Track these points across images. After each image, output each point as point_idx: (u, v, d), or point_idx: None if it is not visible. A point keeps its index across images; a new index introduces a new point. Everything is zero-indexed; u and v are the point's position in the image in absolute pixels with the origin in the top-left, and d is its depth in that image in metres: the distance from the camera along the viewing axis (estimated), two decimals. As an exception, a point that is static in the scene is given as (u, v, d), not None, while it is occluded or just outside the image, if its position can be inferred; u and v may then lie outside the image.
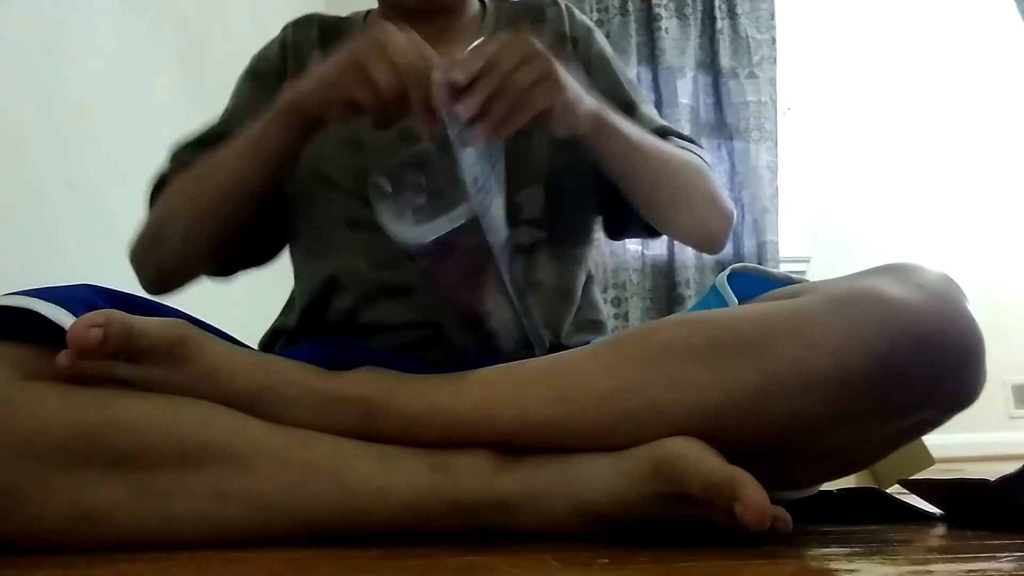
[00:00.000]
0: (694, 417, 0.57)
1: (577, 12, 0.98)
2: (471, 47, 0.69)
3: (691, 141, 0.94)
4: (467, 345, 0.65)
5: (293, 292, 0.92)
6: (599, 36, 0.98)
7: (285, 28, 0.97)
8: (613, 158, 0.82)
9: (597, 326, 0.90)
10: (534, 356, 0.66)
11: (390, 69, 0.67)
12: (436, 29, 0.92)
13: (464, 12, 0.95)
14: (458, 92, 0.66)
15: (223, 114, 0.94)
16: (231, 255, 0.90)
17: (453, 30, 0.94)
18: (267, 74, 0.93)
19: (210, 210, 0.81)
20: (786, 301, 0.61)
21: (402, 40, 0.68)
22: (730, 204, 0.89)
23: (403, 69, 0.67)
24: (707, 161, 0.91)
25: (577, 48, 0.94)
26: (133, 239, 0.86)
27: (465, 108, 0.65)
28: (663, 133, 0.91)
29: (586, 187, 0.90)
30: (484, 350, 0.66)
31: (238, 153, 0.79)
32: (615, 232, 0.98)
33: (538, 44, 0.70)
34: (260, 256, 0.95)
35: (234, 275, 0.94)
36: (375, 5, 0.98)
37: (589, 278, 0.93)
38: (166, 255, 0.84)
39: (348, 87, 0.69)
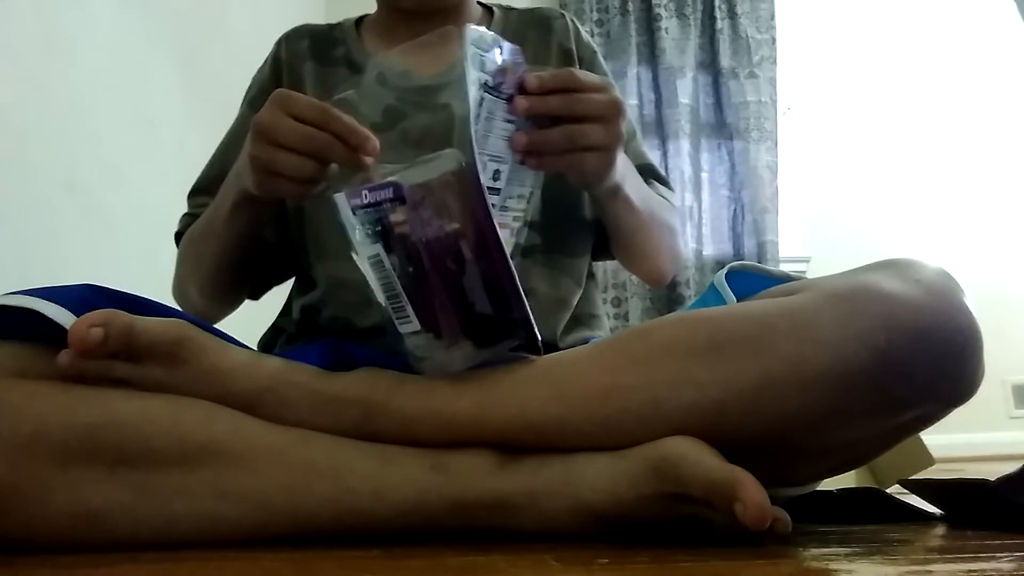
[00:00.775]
0: (694, 415, 0.58)
1: (584, 31, 0.99)
2: (471, 28, 0.66)
3: (666, 182, 0.98)
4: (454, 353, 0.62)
5: (290, 297, 0.92)
6: (602, 60, 0.99)
7: (278, 43, 0.97)
8: (613, 218, 0.85)
9: (593, 321, 0.90)
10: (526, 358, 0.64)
11: (292, 149, 0.66)
12: (433, 30, 0.91)
13: (463, 14, 0.95)
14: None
15: (224, 147, 0.95)
16: (257, 283, 0.94)
17: (450, 31, 0.93)
18: (263, 100, 0.93)
19: (212, 273, 0.86)
20: (784, 298, 0.62)
21: (279, 115, 0.67)
22: (685, 252, 0.95)
23: (300, 140, 0.66)
24: (675, 205, 0.97)
25: (581, 67, 0.94)
26: (173, 283, 0.92)
27: (520, 102, 0.64)
28: (646, 172, 0.93)
29: (583, 201, 0.90)
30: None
31: (216, 235, 0.82)
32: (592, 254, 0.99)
33: (619, 99, 0.69)
34: (284, 274, 0.96)
35: (265, 292, 0.97)
36: (374, 6, 0.98)
37: (590, 274, 0.94)
38: (194, 303, 0.89)
39: (277, 191, 0.69)
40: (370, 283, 0.63)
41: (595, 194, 0.81)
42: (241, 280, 0.90)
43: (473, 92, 0.61)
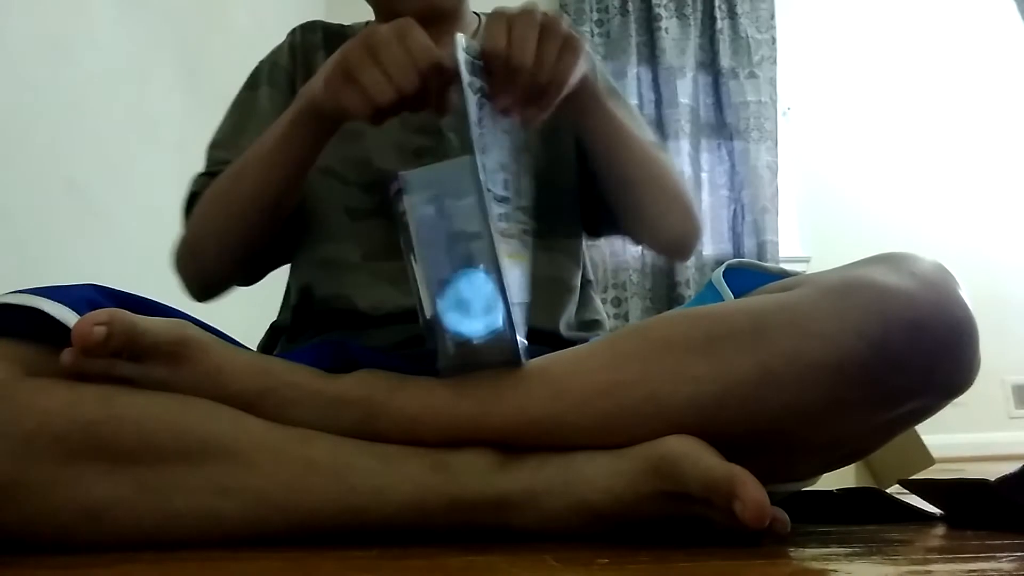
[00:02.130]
0: (692, 410, 0.58)
1: (573, 28, 0.98)
2: (460, 36, 0.67)
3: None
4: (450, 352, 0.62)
5: (288, 283, 0.92)
6: (595, 59, 0.98)
7: (292, 32, 0.97)
8: (595, 129, 0.82)
9: (595, 325, 0.90)
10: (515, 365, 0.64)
11: (384, 70, 0.66)
12: (432, 34, 0.91)
13: (459, 21, 0.95)
14: (486, 73, 0.66)
15: (246, 119, 0.93)
16: (265, 258, 0.90)
17: (446, 37, 0.93)
18: (282, 79, 0.93)
19: (241, 220, 0.82)
20: (781, 294, 0.62)
21: (394, 38, 0.67)
22: (700, 219, 0.89)
23: (398, 68, 0.66)
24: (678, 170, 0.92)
25: None
26: (174, 250, 0.87)
27: (503, 99, 0.67)
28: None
29: (575, 179, 0.90)
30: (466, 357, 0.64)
31: (262, 161, 0.79)
32: (592, 230, 0.97)
33: (544, 11, 0.69)
34: (286, 255, 0.94)
35: (263, 276, 0.94)
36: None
37: (587, 281, 0.94)
38: (206, 266, 0.85)
39: (342, 96, 0.68)
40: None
41: (574, 100, 0.77)
42: (265, 239, 0.84)
43: (471, 95, 0.63)
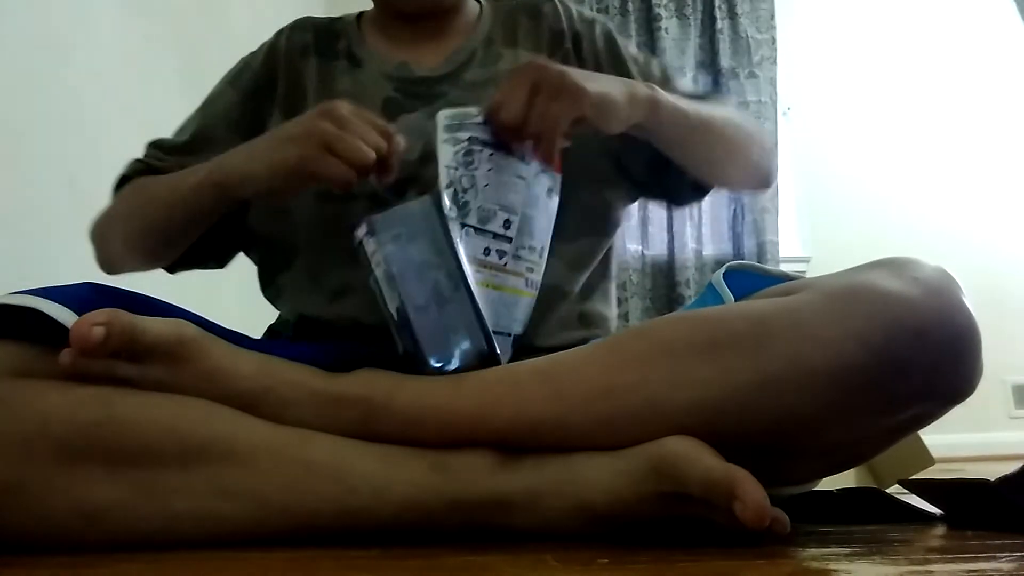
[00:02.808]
0: (693, 414, 0.58)
1: (576, 8, 0.96)
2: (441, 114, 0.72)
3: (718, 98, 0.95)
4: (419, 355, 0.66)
5: (278, 305, 0.90)
6: (602, 27, 0.95)
7: (279, 33, 0.95)
8: (671, 136, 0.83)
9: (599, 320, 0.89)
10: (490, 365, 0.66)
11: (358, 137, 0.69)
12: (431, 29, 0.91)
13: (461, 12, 0.94)
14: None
15: (199, 117, 0.94)
16: (177, 259, 0.90)
17: (448, 30, 0.93)
18: (247, 84, 0.92)
19: (145, 230, 0.84)
20: (783, 298, 0.62)
21: (349, 111, 0.70)
22: (770, 138, 0.92)
23: (368, 134, 0.69)
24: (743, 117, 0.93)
25: (582, 43, 0.92)
26: (93, 223, 0.89)
27: (515, 147, 0.72)
28: (698, 97, 0.90)
29: (583, 183, 0.89)
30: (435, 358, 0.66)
31: (171, 199, 0.81)
32: (673, 200, 0.97)
33: (538, 64, 0.72)
34: (219, 257, 0.94)
35: (176, 272, 0.93)
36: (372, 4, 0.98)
37: (609, 275, 0.92)
38: (112, 250, 0.88)
39: (323, 167, 0.69)
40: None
41: (642, 127, 0.79)
42: (169, 253, 0.88)
43: (447, 148, 0.70)
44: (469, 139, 0.71)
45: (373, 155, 0.68)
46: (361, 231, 0.68)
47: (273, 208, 0.86)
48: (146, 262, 0.89)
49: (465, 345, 0.66)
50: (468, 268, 0.66)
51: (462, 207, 0.69)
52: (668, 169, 0.88)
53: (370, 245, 0.67)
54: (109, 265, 0.90)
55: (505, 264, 0.71)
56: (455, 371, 0.65)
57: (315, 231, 0.84)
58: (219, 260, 0.94)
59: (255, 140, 0.77)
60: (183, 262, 0.90)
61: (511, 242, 0.71)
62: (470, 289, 0.66)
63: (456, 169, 0.69)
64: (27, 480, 0.56)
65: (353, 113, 0.70)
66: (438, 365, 0.65)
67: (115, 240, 0.87)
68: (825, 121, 3.30)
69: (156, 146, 0.92)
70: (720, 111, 0.88)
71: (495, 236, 0.70)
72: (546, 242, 0.75)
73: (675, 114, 0.80)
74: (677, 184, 0.91)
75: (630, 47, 0.96)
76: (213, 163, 0.78)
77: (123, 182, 0.90)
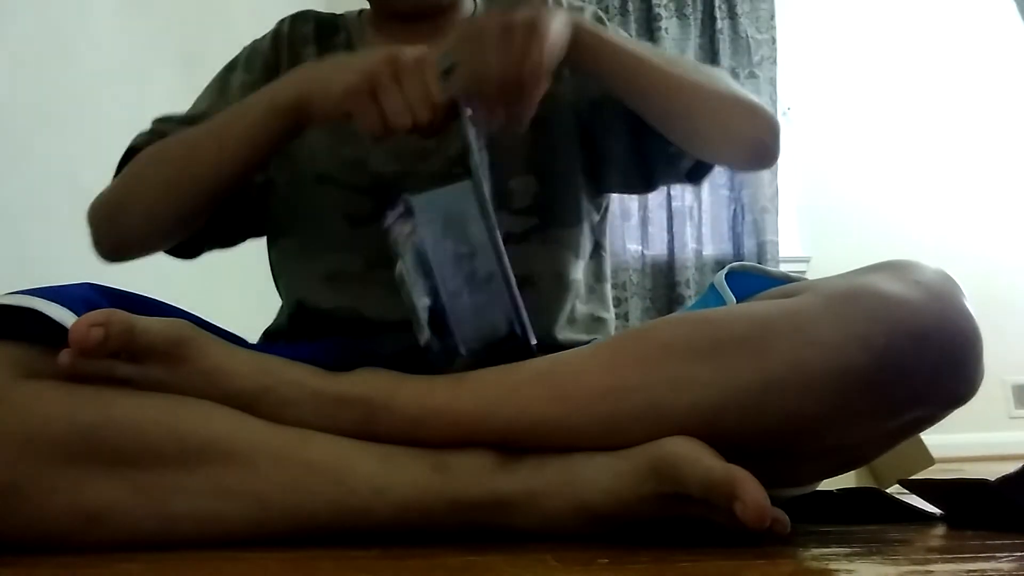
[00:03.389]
0: (694, 416, 0.58)
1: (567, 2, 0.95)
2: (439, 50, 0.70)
3: None
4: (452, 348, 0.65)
5: (280, 293, 0.90)
6: (593, 13, 0.92)
7: (281, 22, 0.95)
8: (612, 70, 0.79)
9: (600, 324, 0.89)
10: (524, 357, 0.65)
11: (406, 98, 0.67)
12: (428, 28, 0.91)
13: (457, 9, 0.93)
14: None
15: (210, 96, 0.91)
16: (195, 235, 0.86)
17: (444, 28, 0.92)
18: (258, 66, 0.91)
19: (181, 189, 0.78)
20: (784, 300, 0.61)
21: (416, 68, 0.68)
22: (772, 115, 0.81)
23: (418, 100, 0.67)
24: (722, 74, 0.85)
25: None
26: (95, 204, 0.83)
27: (485, 111, 0.68)
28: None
29: (575, 167, 0.88)
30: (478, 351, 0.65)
31: (222, 139, 0.77)
32: (647, 183, 0.92)
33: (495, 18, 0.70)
34: (227, 238, 0.91)
35: (198, 255, 0.90)
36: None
37: (603, 276, 0.92)
38: (128, 226, 0.81)
39: (359, 109, 0.68)
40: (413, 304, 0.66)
41: (574, 62, 0.75)
42: (200, 215, 0.81)
43: (470, 126, 0.68)
44: (471, 119, 0.69)
45: (409, 122, 0.67)
46: (395, 213, 0.66)
47: (278, 182, 0.85)
48: (174, 232, 0.82)
49: (500, 332, 0.64)
50: (505, 253, 0.64)
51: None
52: (648, 142, 0.84)
53: (404, 227, 0.65)
54: (119, 248, 0.83)
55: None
56: (484, 363, 0.64)
57: (312, 212, 0.84)
58: (232, 238, 0.92)
59: (306, 66, 0.76)
60: (201, 243, 0.88)
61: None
62: (508, 274, 0.64)
63: (479, 152, 0.68)
64: (27, 481, 0.56)
65: (415, 69, 0.67)
66: (469, 354, 0.63)
67: (134, 214, 0.80)
68: (825, 121, 3.30)
69: (165, 120, 0.88)
70: (692, 63, 0.84)
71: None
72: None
73: (620, 52, 0.77)
74: (660, 159, 0.86)
75: (619, 31, 0.92)
76: (264, 95, 0.75)
77: (129, 156, 0.85)
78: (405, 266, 0.65)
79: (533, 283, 0.80)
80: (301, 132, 0.76)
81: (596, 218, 0.91)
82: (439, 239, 0.64)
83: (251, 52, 0.94)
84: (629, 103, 0.81)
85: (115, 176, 0.85)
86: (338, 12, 0.99)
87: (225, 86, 0.91)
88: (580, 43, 0.74)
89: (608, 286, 0.93)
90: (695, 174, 0.87)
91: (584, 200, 0.88)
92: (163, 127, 0.86)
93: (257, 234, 0.93)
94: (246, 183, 0.81)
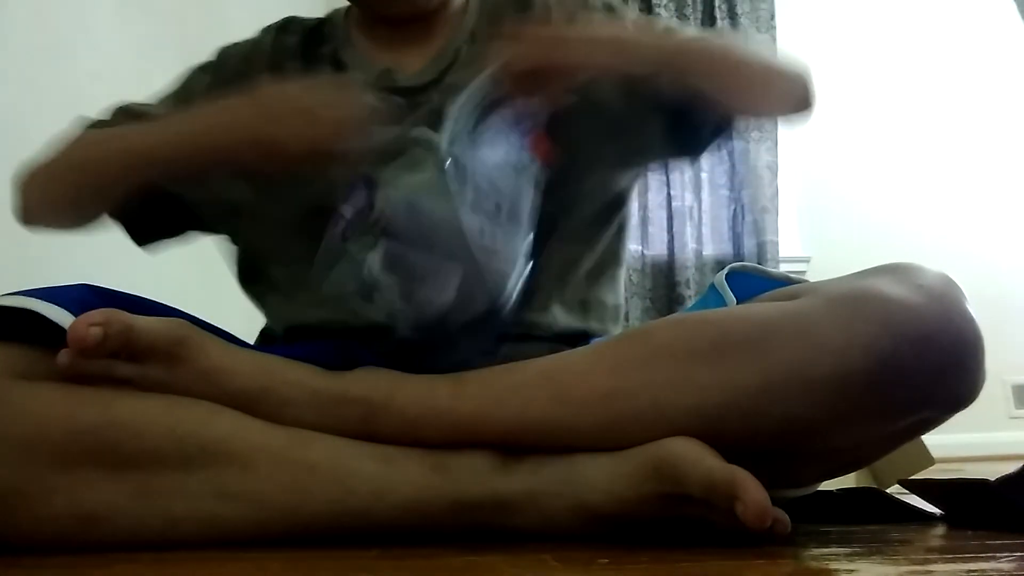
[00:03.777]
0: (695, 418, 0.57)
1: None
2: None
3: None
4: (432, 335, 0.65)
5: (266, 315, 0.88)
6: (596, 4, 0.91)
7: (267, 30, 0.93)
8: (693, 78, 0.80)
9: (604, 312, 0.86)
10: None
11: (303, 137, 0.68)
12: (416, 28, 0.90)
13: (446, 7, 0.91)
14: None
15: (172, 99, 0.91)
16: (141, 223, 0.88)
17: (433, 29, 0.91)
18: (229, 72, 0.90)
19: (95, 176, 0.81)
20: (786, 302, 0.61)
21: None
22: (801, 68, 0.86)
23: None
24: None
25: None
26: (28, 169, 0.83)
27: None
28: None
29: (597, 155, 0.86)
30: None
31: (144, 149, 0.78)
32: (691, 149, 0.92)
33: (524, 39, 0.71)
34: (172, 230, 0.91)
35: (149, 245, 0.90)
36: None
37: (619, 260, 0.89)
38: (38, 200, 0.83)
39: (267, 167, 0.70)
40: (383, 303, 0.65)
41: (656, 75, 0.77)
42: (98, 205, 0.84)
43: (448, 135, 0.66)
44: (477, 114, 0.69)
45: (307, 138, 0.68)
46: (358, 184, 0.64)
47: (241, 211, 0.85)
48: (83, 216, 0.85)
49: (479, 304, 0.64)
50: (475, 235, 0.63)
51: (462, 180, 0.66)
52: (687, 116, 0.85)
53: (368, 198, 0.64)
54: (45, 213, 0.85)
55: (496, 248, 0.67)
56: (463, 338, 0.63)
57: (284, 248, 0.83)
58: (175, 232, 0.91)
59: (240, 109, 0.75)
60: (147, 233, 0.89)
61: (500, 226, 0.68)
62: (475, 247, 0.63)
63: (458, 142, 0.67)
64: (26, 483, 0.55)
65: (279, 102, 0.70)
66: (450, 327, 0.63)
67: (50, 187, 0.83)
68: (825, 121, 3.29)
69: (124, 112, 0.89)
70: (738, 48, 0.87)
71: (487, 217, 0.67)
72: (526, 233, 0.71)
73: (697, 46, 0.80)
74: (696, 132, 0.87)
75: (627, 13, 0.93)
76: (206, 121, 0.76)
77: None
78: (375, 257, 0.63)
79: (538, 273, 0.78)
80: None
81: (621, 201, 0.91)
82: (407, 213, 0.63)
83: (224, 57, 0.92)
84: (698, 86, 0.81)
85: (59, 146, 0.84)
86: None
87: (189, 89, 0.91)
88: (672, 65, 0.77)
89: (623, 271, 0.91)
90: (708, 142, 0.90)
91: (598, 191, 0.87)
92: (115, 120, 0.87)
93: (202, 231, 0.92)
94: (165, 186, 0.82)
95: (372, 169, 0.65)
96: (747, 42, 0.89)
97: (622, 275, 0.91)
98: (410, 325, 0.64)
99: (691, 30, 0.93)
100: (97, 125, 0.87)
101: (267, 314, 0.86)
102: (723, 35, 0.92)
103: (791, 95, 0.86)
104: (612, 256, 0.88)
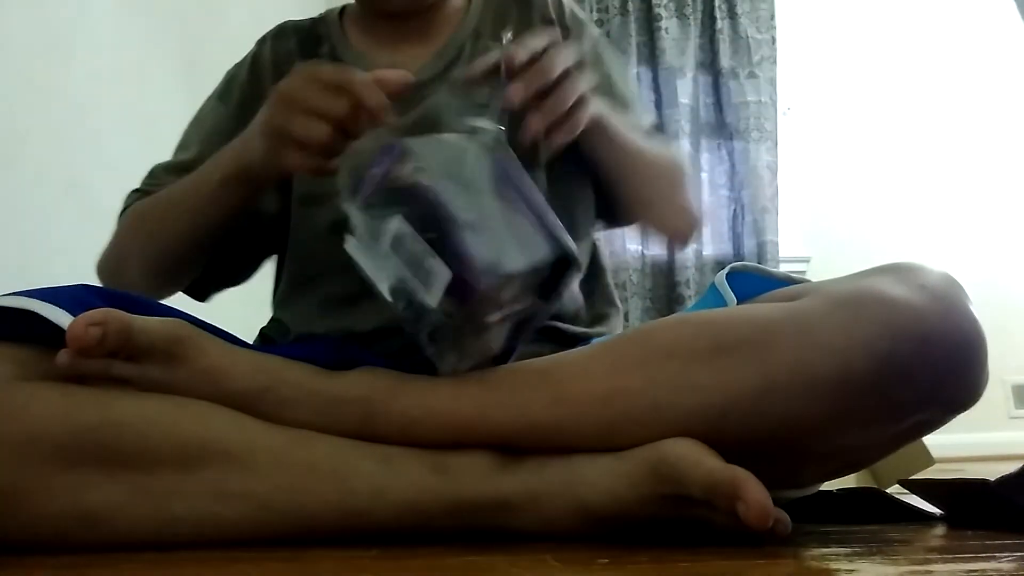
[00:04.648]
0: (695, 419, 0.57)
1: (573, 6, 0.95)
2: (504, 38, 0.70)
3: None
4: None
5: (277, 312, 0.90)
6: (593, 31, 0.96)
7: (261, 41, 0.94)
8: (604, 160, 0.85)
9: (604, 318, 0.89)
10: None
11: (329, 95, 0.66)
12: (418, 24, 0.90)
13: (445, 5, 0.92)
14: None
15: (196, 136, 0.93)
16: (197, 280, 0.90)
17: (435, 24, 0.91)
18: (235, 97, 0.92)
19: (166, 247, 0.83)
20: (787, 303, 0.61)
21: (304, 81, 0.68)
22: (699, 212, 0.95)
23: (321, 100, 0.66)
24: (684, 165, 0.96)
25: (569, 39, 0.91)
26: (101, 257, 0.87)
27: (515, 90, 0.66)
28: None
29: (584, 171, 0.89)
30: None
31: (191, 207, 0.81)
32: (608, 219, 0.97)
33: (574, 58, 0.71)
34: (234, 277, 0.94)
35: (208, 297, 0.93)
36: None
37: (600, 269, 0.92)
38: (130, 281, 0.85)
39: (284, 159, 0.69)
40: (387, 284, 0.62)
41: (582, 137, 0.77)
42: (196, 263, 0.87)
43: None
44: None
45: (325, 129, 0.66)
46: (389, 153, 0.60)
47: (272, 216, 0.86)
48: (170, 282, 0.88)
49: (543, 254, 0.60)
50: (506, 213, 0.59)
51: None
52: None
53: (400, 168, 0.60)
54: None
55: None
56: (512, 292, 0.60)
57: (302, 234, 0.85)
58: (241, 274, 0.94)
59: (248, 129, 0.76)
60: (209, 282, 0.91)
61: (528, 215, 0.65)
62: (535, 199, 0.60)
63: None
64: (25, 485, 0.55)
65: (300, 87, 0.68)
66: (491, 288, 0.58)
67: (131, 269, 0.85)
68: (825, 121, 3.30)
69: (154, 173, 0.92)
70: (662, 159, 0.91)
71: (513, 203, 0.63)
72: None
73: (613, 142, 0.83)
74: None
75: (613, 61, 0.97)
76: (222, 161, 0.78)
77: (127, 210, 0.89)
78: (399, 203, 0.59)
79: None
80: (268, 185, 0.79)
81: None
82: (445, 189, 0.59)
83: (229, 81, 0.94)
84: (603, 176, 0.88)
85: (116, 229, 0.89)
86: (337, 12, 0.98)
87: (207, 121, 0.93)
88: (597, 133, 0.79)
89: (610, 279, 0.94)
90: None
91: (585, 207, 0.90)
92: (152, 182, 0.90)
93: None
94: (235, 226, 0.83)
95: (402, 138, 0.62)
96: (686, 169, 0.97)
97: (609, 281, 0.94)
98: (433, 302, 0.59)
99: (648, 125, 0.97)
100: (142, 193, 0.89)
101: (300, 325, 0.85)
102: (673, 150, 0.98)
103: (686, 232, 0.95)
104: (594, 272, 0.92)
